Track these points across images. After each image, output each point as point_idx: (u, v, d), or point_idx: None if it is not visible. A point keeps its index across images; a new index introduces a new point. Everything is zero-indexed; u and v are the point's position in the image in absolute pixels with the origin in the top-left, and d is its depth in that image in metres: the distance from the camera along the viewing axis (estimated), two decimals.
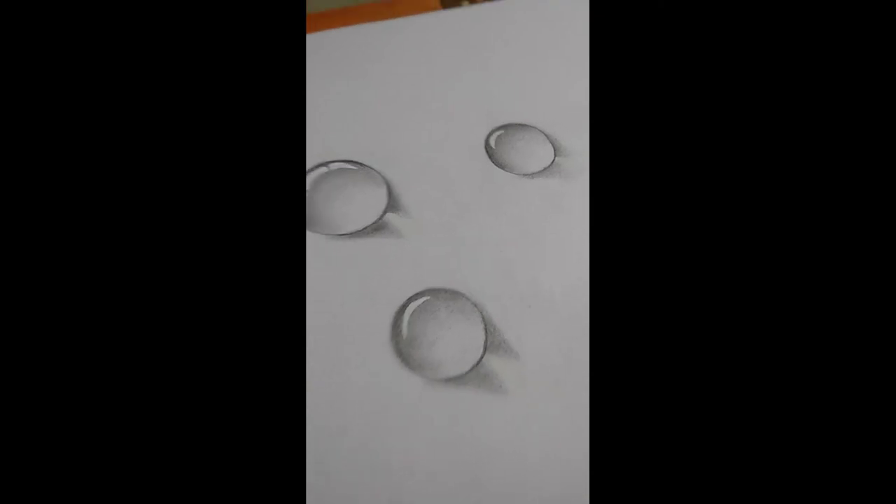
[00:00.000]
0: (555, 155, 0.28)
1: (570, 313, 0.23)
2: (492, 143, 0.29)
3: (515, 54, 0.34)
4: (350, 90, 0.30)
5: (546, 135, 0.29)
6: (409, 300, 0.23)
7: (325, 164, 0.26)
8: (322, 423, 0.20)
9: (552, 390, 0.21)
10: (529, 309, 0.23)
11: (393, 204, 0.26)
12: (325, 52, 0.32)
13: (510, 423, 0.21)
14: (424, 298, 0.23)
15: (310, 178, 0.26)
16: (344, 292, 0.23)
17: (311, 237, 0.25)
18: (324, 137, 0.28)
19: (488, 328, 0.22)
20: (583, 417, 0.21)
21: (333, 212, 0.25)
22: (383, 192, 0.26)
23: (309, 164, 0.26)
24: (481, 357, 0.22)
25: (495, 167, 0.28)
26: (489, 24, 0.36)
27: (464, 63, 0.33)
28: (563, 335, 0.23)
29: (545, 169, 0.28)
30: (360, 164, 0.27)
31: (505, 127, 0.29)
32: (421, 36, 0.34)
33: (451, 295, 0.23)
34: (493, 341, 0.22)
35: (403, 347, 0.22)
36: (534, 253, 0.25)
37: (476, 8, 0.37)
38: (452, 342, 0.22)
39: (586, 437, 0.20)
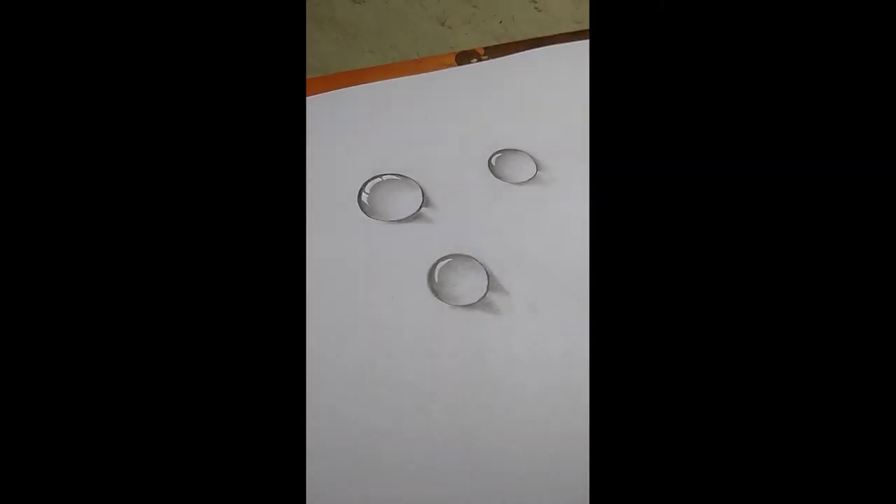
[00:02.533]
0: (536, 170, 0.40)
1: (542, 269, 0.35)
2: (493, 161, 0.40)
3: (510, 99, 0.45)
4: (393, 125, 0.42)
5: (531, 156, 0.41)
6: (439, 260, 0.35)
7: (380, 175, 0.39)
8: (384, 332, 0.32)
9: (529, 314, 0.33)
10: (516, 266, 0.35)
11: (426, 202, 0.38)
12: (374, 96, 0.45)
13: (502, 332, 0.33)
14: (449, 259, 0.35)
15: (370, 185, 0.38)
16: (397, 257, 0.35)
17: (371, 222, 0.37)
18: (379, 158, 0.40)
19: (490, 277, 0.34)
20: (547, 329, 0.33)
21: (386, 206, 0.37)
22: (419, 194, 0.38)
23: (369, 176, 0.39)
24: (484, 294, 0.34)
25: (495, 178, 0.40)
26: (492, 77, 0.47)
27: (473, 105, 0.44)
28: (537, 282, 0.35)
29: (529, 179, 0.40)
30: (404, 175, 0.39)
31: (502, 150, 0.41)
32: (442, 85, 0.45)
33: (466, 258, 0.35)
34: (492, 284, 0.34)
35: (435, 287, 0.34)
36: (520, 232, 0.37)
37: (483, 64, 0.48)
38: (466, 285, 0.34)
39: (551, 340, 0.32)
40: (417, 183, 0.39)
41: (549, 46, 0.50)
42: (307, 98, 0.43)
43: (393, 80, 0.45)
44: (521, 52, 0.49)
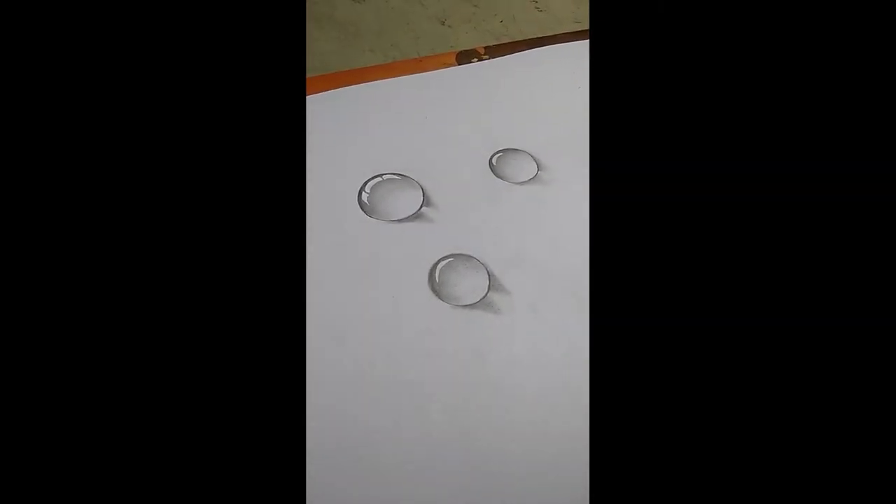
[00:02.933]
0: (537, 170, 0.40)
1: (542, 270, 0.35)
2: (493, 161, 0.40)
3: (511, 98, 0.45)
4: (394, 124, 0.42)
5: (532, 156, 0.41)
6: (440, 260, 0.35)
7: (380, 175, 0.39)
8: (385, 332, 0.32)
9: (529, 313, 0.33)
10: (517, 267, 0.35)
11: (427, 201, 0.38)
12: (374, 95, 0.45)
13: (502, 332, 0.33)
14: (450, 259, 0.35)
15: (370, 184, 0.38)
16: (397, 256, 0.35)
17: (372, 222, 0.37)
18: (379, 158, 0.40)
19: (490, 277, 0.34)
20: (547, 329, 0.33)
21: (387, 206, 0.37)
22: (419, 193, 0.38)
23: (370, 175, 0.39)
24: (485, 294, 0.34)
25: (496, 177, 0.40)
26: (493, 76, 0.47)
27: (474, 104, 0.44)
28: (537, 282, 0.35)
29: (530, 179, 0.40)
30: (404, 175, 0.39)
31: (503, 150, 0.41)
32: (443, 84, 0.45)
33: (467, 258, 0.35)
34: (493, 284, 0.34)
35: (436, 287, 0.34)
36: (520, 232, 0.37)
37: (483, 64, 0.47)
38: (467, 285, 0.34)
39: (551, 340, 0.32)
40: (418, 182, 0.39)
41: (550, 46, 0.50)
42: (307, 97, 0.43)
43: (393, 79, 0.45)
44: (522, 52, 0.49)
